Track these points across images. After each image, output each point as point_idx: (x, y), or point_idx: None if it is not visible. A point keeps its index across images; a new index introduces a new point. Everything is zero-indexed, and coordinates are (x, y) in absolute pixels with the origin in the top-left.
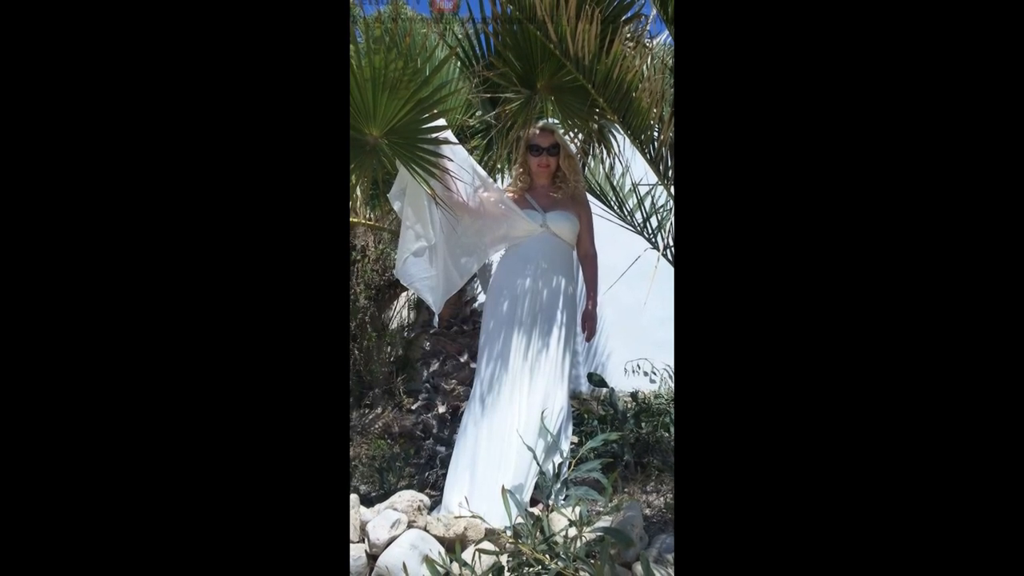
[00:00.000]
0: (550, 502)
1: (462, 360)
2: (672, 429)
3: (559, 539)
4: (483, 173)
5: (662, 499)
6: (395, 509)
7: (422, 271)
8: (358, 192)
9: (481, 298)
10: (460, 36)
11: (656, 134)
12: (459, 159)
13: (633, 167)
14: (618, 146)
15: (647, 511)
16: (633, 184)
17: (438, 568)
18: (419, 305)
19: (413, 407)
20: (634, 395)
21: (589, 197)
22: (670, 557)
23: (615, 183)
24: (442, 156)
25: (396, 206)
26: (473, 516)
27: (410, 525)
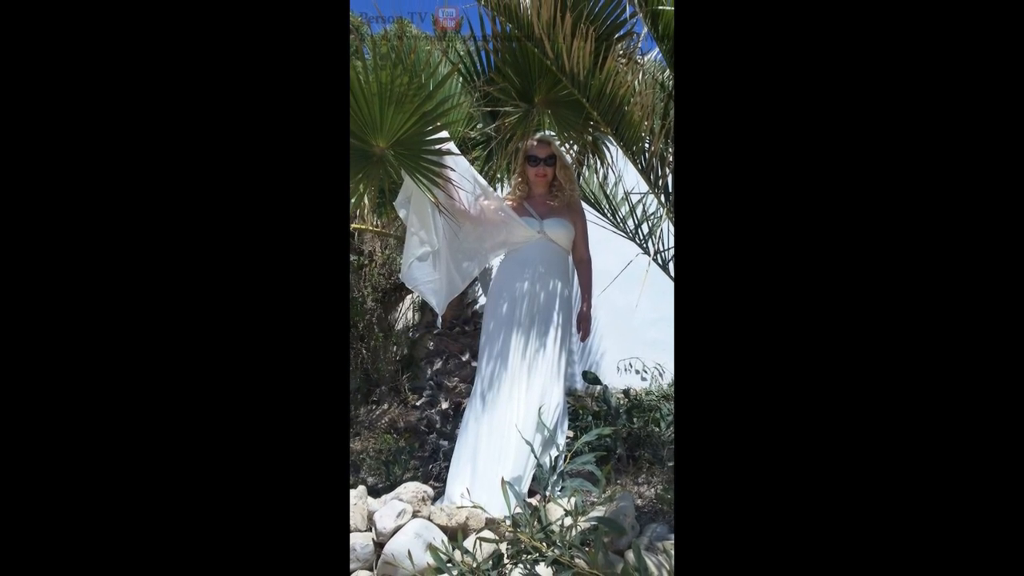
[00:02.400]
0: (547, 493)
1: (464, 359)
2: (662, 424)
3: (555, 528)
4: (483, 182)
5: (653, 490)
6: (401, 500)
7: (426, 275)
8: (365, 200)
9: (482, 300)
10: (462, 53)
11: (647, 145)
12: (461, 169)
13: (625, 177)
14: (611, 157)
15: (639, 501)
16: (625, 193)
17: (441, 555)
18: (423, 307)
19: (418, 403)
20: (626, 392)
21: (584, 205)
22: (661, 545)
23: (608, 192)
24: (445, 166)
25: (401, 213)
26: (474, 506)
27: (415, 515)
